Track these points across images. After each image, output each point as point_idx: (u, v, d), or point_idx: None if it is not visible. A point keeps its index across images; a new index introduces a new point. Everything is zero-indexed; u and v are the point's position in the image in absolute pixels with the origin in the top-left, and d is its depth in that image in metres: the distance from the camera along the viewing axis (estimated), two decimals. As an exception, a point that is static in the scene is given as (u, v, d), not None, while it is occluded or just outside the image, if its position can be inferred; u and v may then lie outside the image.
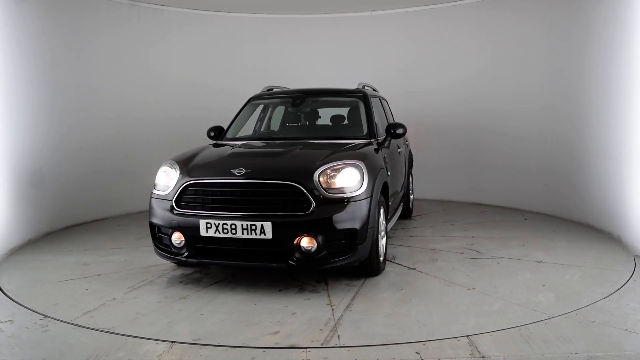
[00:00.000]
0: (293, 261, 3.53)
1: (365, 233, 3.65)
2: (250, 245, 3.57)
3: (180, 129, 7.19)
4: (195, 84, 7.44)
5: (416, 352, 2.75)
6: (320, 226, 3.50)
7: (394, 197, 4.89)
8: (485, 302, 3.48)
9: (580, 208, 5.85)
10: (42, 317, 3.33)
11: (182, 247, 3.77)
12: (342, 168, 3.68)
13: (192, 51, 7.43)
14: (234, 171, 3.68)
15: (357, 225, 3.58)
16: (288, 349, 2.82)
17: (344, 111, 5.33)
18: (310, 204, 3.51)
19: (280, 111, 5.63)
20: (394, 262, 4.44)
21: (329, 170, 3.64)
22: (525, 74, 6.63)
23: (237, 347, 2.85)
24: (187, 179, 3.77)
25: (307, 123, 5.35)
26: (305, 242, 3.53)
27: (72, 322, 3.23)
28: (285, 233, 3.49)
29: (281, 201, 3.58)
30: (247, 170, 3.66)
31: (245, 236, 3.52)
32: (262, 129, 5.50)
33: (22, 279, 4.16)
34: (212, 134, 5.05)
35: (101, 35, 6.55)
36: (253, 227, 3.50)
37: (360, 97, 5.00)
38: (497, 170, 7.08)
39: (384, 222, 4.23)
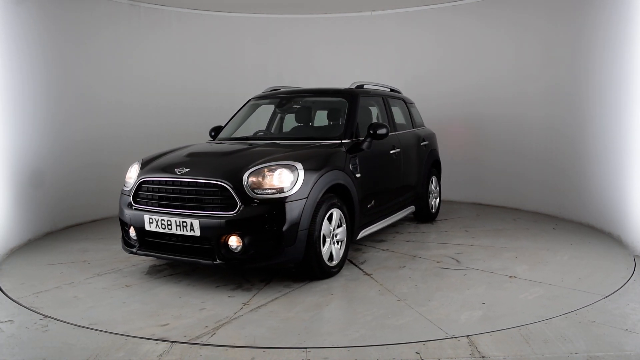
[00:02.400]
0: (220, 259, 3.62)
1: (295, 235, 3.63)
2: (183, 241, 3.74)
3: (180, 128, 7.19)
4: (195, 84, 7.44)
5: (416, 352, 2.75)
6: (245, 226, 3.55)
7: (378, 200, 4.79)
8: (398, 314, 3.29)
9: (580, 208, 5.85)
10: (42, 317, 3.33)
11: (136, 240, 4.03)
12: (274, 169, 3.69)
13: (192, 51, 7.44)
14: (177, 170, 3.88)
15: (283, 226, 3.57)
16: (288, 349, 2.82)
17: (330, 111, 5.29)
18: (237, 203, 3.57)
19: (269, 112, 5.62)
20: (357, 267, 4.37)
21: (260, 171, 3.67)
22: (526, 74, 6.62)
23: (237, 347, 2.85)
24: (142, 176, 4.03)
25: (297, 124, 5.37)
26: (232, 241, 3.61)
27: (72, 322, 3.23)
28: (212, 231, 3.59)
29: (211, 200, 3.69)
30: (187, 170, 3.85)
31: (178, 232, 3.71)
32: (272, 130, 5.58)
33: (22, 279, 4.16)
34: (212, 133, 5.31)
35: (101, 35, 6.56)
36: (184, 224, 3.66)
37: (347, 97, 4.90)
38: (496, 171, 7.08)
39: (337, 226, 4.07)
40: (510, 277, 4.01)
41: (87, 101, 6.39)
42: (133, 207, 4.00)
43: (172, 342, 2.92)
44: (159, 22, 7.16)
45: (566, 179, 6.07)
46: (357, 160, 4.41)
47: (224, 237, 3.60)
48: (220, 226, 3.57)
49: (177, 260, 3.91)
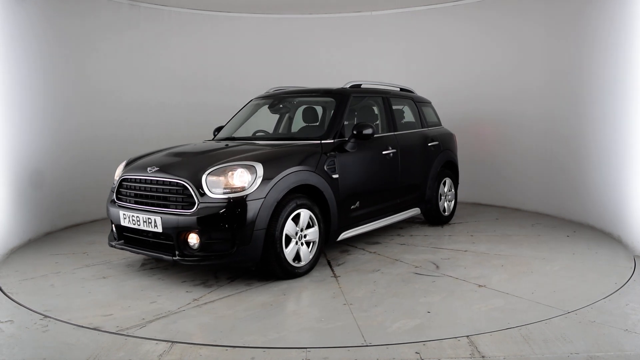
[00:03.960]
0: (178, 255, 3.73)
1: (250, 235, 3.66)
2: (153, 237, 3.92)
3: (180, 128, 7.20)
4: (195, 84, 7.45)
5: (416, 352, 2.75)
6: (201, 224, 3.64)
7: (365, 201, 4.72)
8: (333, 319, 3.25)
9: (580, 208, 5.85)
10: (42, 317, 3.33)
11: (116, 235, 4.26)
12: (233, 169, 3.74)
13: (191, 51, 7.44)
14: (148, 169, 4.04)
15: (237, 226, 3.63)
16: (288, 349, 2.82)
17: (318, 111, 5.28)
18: (196, 202, 3.67)
19: (261, 112, 5.60)
20: (332, 268, 4.35)
21: (220, 171, 3.74)
22: (526, 74, 6.63)
23: (237, 347, 2.85)
24: (123, 174, 4.24)
25: (289, 124, 5.37)
26: (191, 239, 3.71)
27: (72, 322, 3.23)
28: (171, 228, 3.73)
29: (174, 198, 3.82)
30: (157, 169, 4.00)
31: (145, 228, 3.90)
32: (279, 130, 5.60)
33: (22, 279, 4.16)
34: (216, 133, 5.41)
35: (101, 35, 6.56)
36: (149, 221, 3.85)
37: (336, 97, 4.87)
38: (497, 171, 7.08)
39: (306, 226, 4.08)
40: (480, 286, 3.81)
41: (87, 101, 6.39)
42: (115, 204, 4.21)
43: (172, 342, 2.93)
44: (159, 22, 7.16)
45: (566, 179, 6.07)
46: (335, 161, 4.37)
47: (183, 234, 3.71)
48: (178, 223, 3.70)
49: (146, 255, 4.05)
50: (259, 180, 3.73)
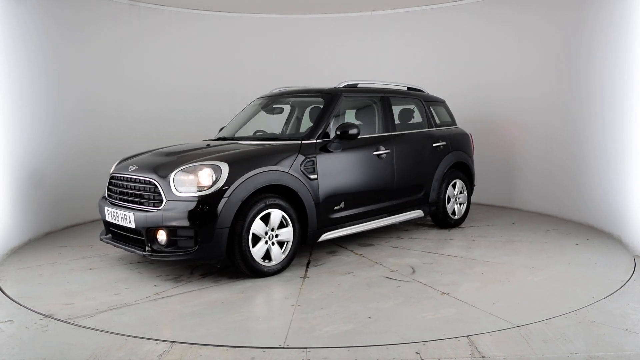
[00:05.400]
0: (148, 250, 3.92)
1: (212, 232, 3.77)
2: (128, 232, 4.14)
3: (181, 127, 7.19)
4: (194, 84, 7.44)
5: (416, 352, 2.75)
6: (166, 221, 3.81)
7: (352, 202, 4.67)
8: (268, 319, 3.30)
9: (580, 208, 5.85)
10: (42, 317, 3.33)
11: (104, 229, 4.54)
12: (200, 169, 3.88)
13: (192, 51, 7.43)
14: (129, 167, 4.27)
15: (199, 223, 3.75)
16: (288, 349, 2.82)
17: (310, 111, 5.25)
18: (164, 200, 3.85)
19: (256, 112, 5.60)
20: (308, 268, 4.35)
21: (187, 170, 3.89)
22: (526, 75, 6.63)
23: (237, 347, 2.85)
24: (112, 172, 4.48)
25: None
26: (160, 235, 3.89)
27: (72, 322, 3.24)
28: (142, 224, 3.92)
29: (146, 196, 4.01)
30: (136, 168, 4.22)
31: (122, 223, 4.10)
32: (287, 130, 5.62)
33: (22, 279, 4.16)
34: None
35: (101, 34, 6.56)
36: (125, 217, 4.05)
37: (326, 97, 4.85)
38: (499, 172, 7.08)
39: (278, 226, 4.12)
40: (443, 294, 3.66)
41: (87, 101, 6.39)
42: (105, 200, 4.46)
43: (172, 342, 2.93)
44: (159, 22, 7.16)
45: (566, 179, 6.07)
46: (315, 162, 4.39)
47: (153, 231, 3.89)
48: (147, 220, 3.88)
49: (124, 249, 4.21)
50: (223, 180, 3.84)
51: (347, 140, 4.57)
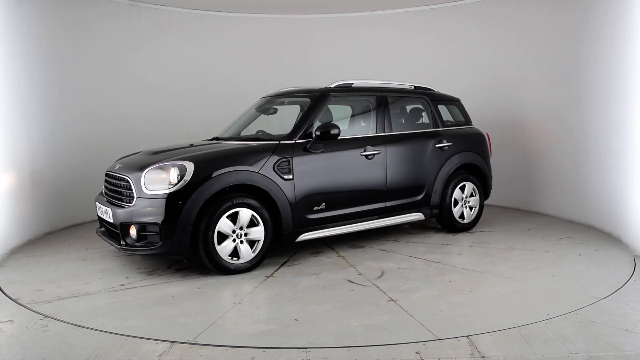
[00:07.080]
0: (122, 245, 4.13)
1: (174, 229, 3.93)
2: (110, 226, 4.34)
3: (181, 127, 7.19)
4: (195, 84, 7.43)
5: (416, 352, 2.76)
6: (135, 217, 4.03)
7: (335, 203, 4.63)
8: (200, 316, 3.30)
9: (580, 208, 5.85)
10: (42, 317, 3.33)
11: (99, 224, 4.74)
12: (167, 167, 4.05)
13: (192, 51, 7.43)
14: (116, 166, 4.53)
15: (161, 220, 3.92)
16: (288, 349, 2.82)
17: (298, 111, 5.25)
18: (135, 197, 4.06)
19: (252, 113, 5.60)
20: (280, 268, 4.36)
21: (157, 169, 4.07)
22: (525, 73, 6.63)
23: (237, 347, 2.86)
24: (107, 170, 4.66)
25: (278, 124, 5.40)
26: (132, 230, 4.08)
27: (72, 322, 3.23)
28: (117, 219, 4.13)
29: (123, 192, 4.23)
30: (120, 166, 4.45)
31: (105, 218, 4.36)
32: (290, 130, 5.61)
33: (22, 279, 4.16)
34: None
35: (101, 35, 6.56)
36: (107, 212, 4.29)
37: (312, 98, 4.85)
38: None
39: (248, 225, 4.17)
40: (389, 300, 3.55)
41: (87, 101, 6.39)
42: (101, 196, 4.68)
43: (172, 342, 2.93)
44: (159, 22, 7.15)
45: (565, 179, 6.06)
46: (290, 162, 4.40)
47: (126, 226, 4.09)
48: (120, 216, 4.10)
49: (108, 242, 4.39)
50: (187, 179, 3.99)
51: (328, 140, 4.55)
